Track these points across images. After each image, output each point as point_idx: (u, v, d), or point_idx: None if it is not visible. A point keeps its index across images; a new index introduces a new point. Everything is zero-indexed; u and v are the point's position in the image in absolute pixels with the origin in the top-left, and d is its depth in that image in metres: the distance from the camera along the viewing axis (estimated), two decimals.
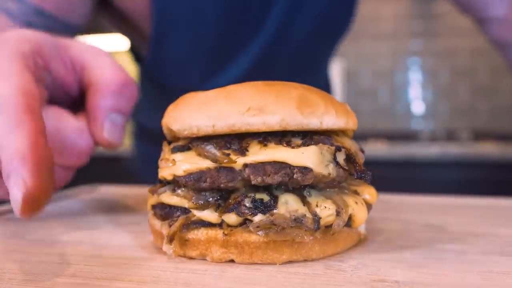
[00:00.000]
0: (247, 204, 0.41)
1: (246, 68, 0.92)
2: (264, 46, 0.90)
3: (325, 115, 0.43)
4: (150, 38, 0.87)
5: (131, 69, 1.05)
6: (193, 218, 0.43)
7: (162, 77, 0.98)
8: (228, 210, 0.42)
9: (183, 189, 0.45)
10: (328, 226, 0.42)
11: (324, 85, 1.15)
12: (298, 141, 0.43)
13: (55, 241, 0.50)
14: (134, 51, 1.04)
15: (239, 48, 0.91)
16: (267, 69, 0.93)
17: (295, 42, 0.92)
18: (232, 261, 0.42)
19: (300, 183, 0.41)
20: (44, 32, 0.54)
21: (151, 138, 1.11)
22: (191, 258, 0.43)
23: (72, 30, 0.81)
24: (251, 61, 0.92)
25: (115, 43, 2.89)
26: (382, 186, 0.72)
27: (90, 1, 0.82)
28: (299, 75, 0.93)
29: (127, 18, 0.89)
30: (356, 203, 0.45)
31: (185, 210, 0.44)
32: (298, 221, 0.40)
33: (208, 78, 0.94)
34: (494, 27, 0.83)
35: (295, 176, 0.40)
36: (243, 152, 0.42)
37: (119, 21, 0.93)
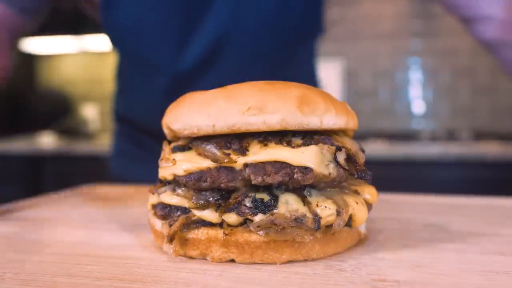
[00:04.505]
0: (248, 204, 0.41)
1: (205, 45, 0.89)
2: (219, 24, 0.88)
3: (326, 115, 0.42)
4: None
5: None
6: (194, 218, 0.43)
7: (126, 44, 0.95)
8: (228, 209, 0.42)
9: (183, 188, 0.45)
10: (329, 226, 0.42)
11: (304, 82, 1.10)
12: (299, 141, 0.43)
13: (55, 241, 0.50)
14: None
15: (196, 23, 0.89)
16: (227, 52, 0.91)
17: (248, 32, 0.89)
18: (232, 260, 0.42)
19: (301, 183, 0.41)
20: None
21: (132, 129, 1.07)
22: (191, 257, 0.43)
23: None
24: (210, 40, 0.89)
25: (99, 44, 2.89)
26: (382, 186, 0.71)
27: None
28: (263, 68, 0.92)
29: None
30: (357, 203, 0.45)
31: (186, 210, 0.44)
32: (298, 221, 0.40)
33: (173, 51, 0.90)
34: (483, 27, 0.80)
35: (295, 176, 0.40)
36: (243, 151, 0.42)
37: None
